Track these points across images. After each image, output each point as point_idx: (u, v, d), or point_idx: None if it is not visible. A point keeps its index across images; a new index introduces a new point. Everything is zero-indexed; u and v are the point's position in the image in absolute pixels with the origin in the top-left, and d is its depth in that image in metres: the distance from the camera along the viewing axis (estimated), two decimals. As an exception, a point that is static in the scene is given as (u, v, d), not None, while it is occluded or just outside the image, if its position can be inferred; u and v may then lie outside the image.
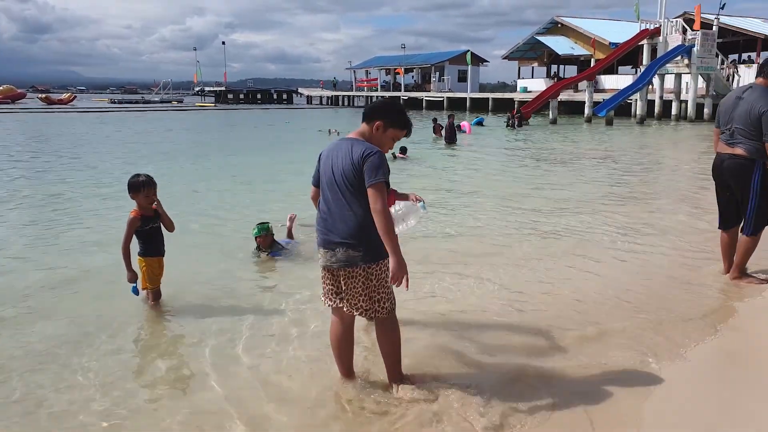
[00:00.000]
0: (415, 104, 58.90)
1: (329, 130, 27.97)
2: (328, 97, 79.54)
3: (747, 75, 37.05)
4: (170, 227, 5.48)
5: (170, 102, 72.79)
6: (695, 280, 6.00)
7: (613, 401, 3.67)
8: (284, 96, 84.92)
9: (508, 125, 31.26)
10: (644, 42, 36.19)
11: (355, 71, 75.29)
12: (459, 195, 11.41)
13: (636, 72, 46.25)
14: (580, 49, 48.57)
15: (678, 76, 34.60)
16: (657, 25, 35.77)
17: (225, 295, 5.80)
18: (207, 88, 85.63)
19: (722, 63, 35.40)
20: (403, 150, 17.69)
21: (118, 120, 40.46)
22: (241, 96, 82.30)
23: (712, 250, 6.75)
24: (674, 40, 34.37)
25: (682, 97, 34.90)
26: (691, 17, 36.66)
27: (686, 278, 6.08)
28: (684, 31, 34.17)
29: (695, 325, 4.87)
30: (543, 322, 4.92)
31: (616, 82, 44.60)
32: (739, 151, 5.45)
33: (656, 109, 35.86)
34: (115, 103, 72.62)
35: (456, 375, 4.03)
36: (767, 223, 5.63)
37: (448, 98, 54.40)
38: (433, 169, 15.71)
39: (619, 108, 33.76)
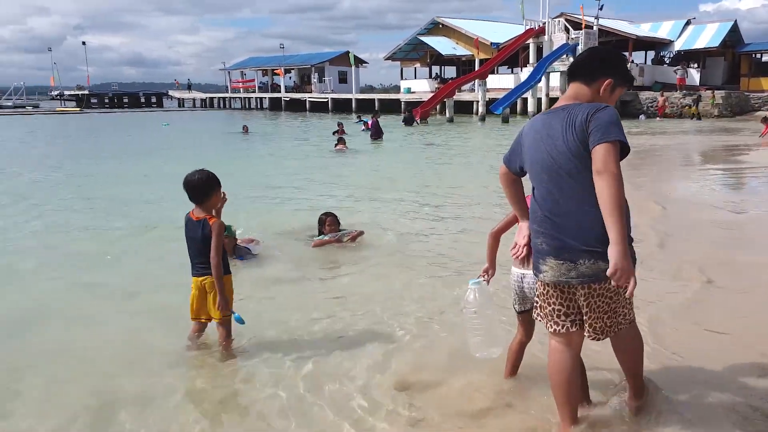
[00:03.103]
0: (298, 106, 57.39)
1: (244, 128, 27.34)
2: (201, 100, 75.89)
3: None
4: None
5: (24, 108, 65.91)
6: None
7: None
8: (153, 99, 79.80)
9: (404, 123, 31.76)
10: (530, 41, 37.30)
11: (229, 72, 72.24)
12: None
13: (512, 72, 47.91)
14: (461, 50, 49.36)
15: (564, 74, 35.92)
16: (541, 25, 37.00)
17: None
18: (66, 92, 78.44)
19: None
20: (342, 140, 18.87)
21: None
22: (106, 100, 76.31)
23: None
24: (559, 39, 35.69)
25: (567, 95, 36.32)
26: (569, 18, 38.38)
27: None
28: (567, 31, 35.56)
29: None
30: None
31: (498, 81, 45.71)
32: None
33: (543, 107, 36.94)
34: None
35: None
36: None
37: (333, 99, 53.47)
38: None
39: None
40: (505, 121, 32.55)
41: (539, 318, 2.97)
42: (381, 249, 6.98)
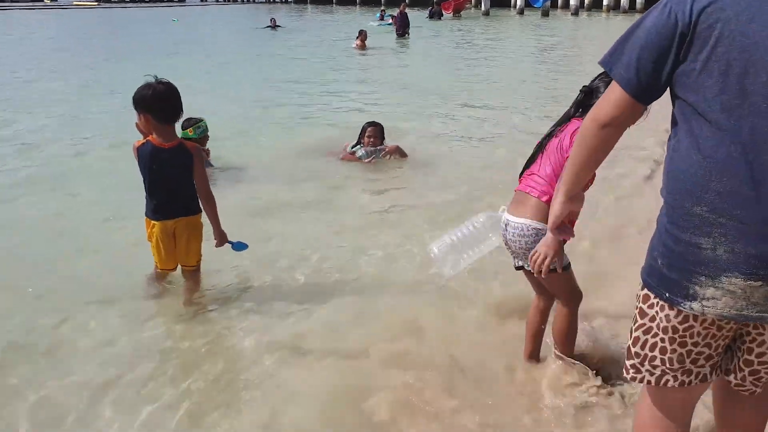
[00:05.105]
0: (323, -1, 54.84)
1: (271, 21, 25.77)
2: (225, -6, 73.07)
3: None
4: None
5: (42, 0, 63.89)
6: None
7: None
8: (174, -7, 76.87)
9: (431, 17, 29.89)
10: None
11: (251, -35, 68.83)
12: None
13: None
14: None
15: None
16: None
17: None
18: (82, -14, 75.60)
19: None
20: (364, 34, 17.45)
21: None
22: (126, -6, 73.63)
23: None
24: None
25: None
26: None
27: None
28: None
29: None
30: None
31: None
32: None
33: (585, 1, 34.73)
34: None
35: None
36: None
37: (361, -10, 50.83)
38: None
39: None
40: (545, 14, 30.70)
41: (650, 370, 1.72)
42: (414, 171, 6.21)
